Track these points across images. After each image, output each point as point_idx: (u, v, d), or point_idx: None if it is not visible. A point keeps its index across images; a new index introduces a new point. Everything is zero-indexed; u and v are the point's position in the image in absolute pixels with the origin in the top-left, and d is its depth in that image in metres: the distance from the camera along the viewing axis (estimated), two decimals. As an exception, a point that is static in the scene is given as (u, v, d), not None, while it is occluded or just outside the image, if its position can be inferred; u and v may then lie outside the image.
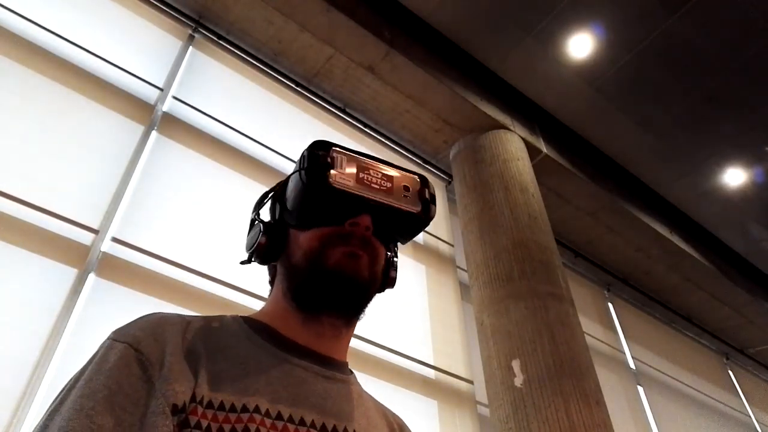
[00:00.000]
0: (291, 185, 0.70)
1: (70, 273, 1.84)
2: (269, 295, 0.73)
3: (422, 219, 0.69)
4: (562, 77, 3.81)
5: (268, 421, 0.54)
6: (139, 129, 2.38)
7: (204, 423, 0.51)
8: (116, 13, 2.69)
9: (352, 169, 0.65)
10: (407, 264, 3.10)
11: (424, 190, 0.69)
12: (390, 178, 0.68)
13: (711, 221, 4.99)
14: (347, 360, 0.71)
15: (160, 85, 2.61)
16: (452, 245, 3.51)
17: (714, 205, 4.74)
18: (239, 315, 0.68)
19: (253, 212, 0.75)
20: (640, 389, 4.20)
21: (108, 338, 0.57)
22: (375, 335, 2.55)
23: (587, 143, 4.29)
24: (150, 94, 2.55)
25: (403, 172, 0.70)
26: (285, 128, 3.06)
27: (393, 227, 0.69)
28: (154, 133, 2.43)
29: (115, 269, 1.96)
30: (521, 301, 2.65)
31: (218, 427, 0.51)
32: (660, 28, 3.49)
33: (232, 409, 0.53)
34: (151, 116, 2.48)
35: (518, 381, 2.39)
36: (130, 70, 2.53)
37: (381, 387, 2.43)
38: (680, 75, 3.77)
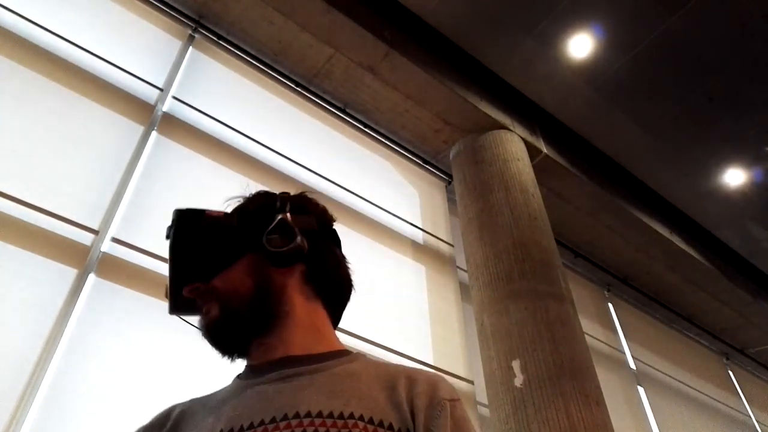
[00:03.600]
0: None
1: (70, 273, 1.84)
2: None
3: (188, 231, 0.73)
4: (562, 77, 3.81)
5: None
6: (139, 129, 2.38)
7: None
8: (116, 13, 2.69)
9: None
10: (407, 264, 3.10)
11: (174, 223, 0.73)
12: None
13: (711, 221, 4.99)
14: (332, 348, 0.73)
15: (160, 86, 2.60)
16: (452, 245, 3.51)
17: (714, 205, 4.74)
18: None
19: None
20: (641, 389, 4.20)
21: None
22: (374, 335, 2.55)
23: (587, 143, 4.29)
24: (150, 95, 2.54)
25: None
26: (285, 128, 3.06)
27: (192, 259, 0.73)
28: (154, 134, 2.43)
29: (115, 269, 1.96)
30: (521, 301, 2.64)
31: None
32: (660, 28, 3.49)
33: None
34: (151, 116, 2.47)
35: (518, 381, 2.39)
36: (129, 71, 2.53)
37: (381, 387, 2.42)
38: (680, 75, 3.77)
